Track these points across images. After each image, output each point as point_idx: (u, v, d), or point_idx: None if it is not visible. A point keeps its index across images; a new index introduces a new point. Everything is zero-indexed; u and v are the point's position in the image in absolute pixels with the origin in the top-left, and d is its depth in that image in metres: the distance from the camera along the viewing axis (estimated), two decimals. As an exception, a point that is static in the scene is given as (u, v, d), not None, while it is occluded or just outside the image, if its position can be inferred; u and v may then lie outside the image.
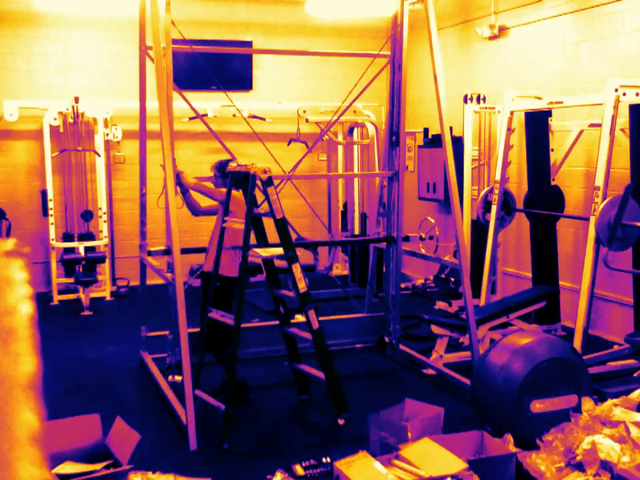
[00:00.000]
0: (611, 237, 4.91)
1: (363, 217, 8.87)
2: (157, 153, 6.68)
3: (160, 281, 5.09)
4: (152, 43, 4.52)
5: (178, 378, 4.42)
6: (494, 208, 6.41)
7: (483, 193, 6.76)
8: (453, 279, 7.43)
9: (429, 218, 6.15)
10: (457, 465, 3.15)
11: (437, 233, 5.93)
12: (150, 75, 4.90)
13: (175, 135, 4.83)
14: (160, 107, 4.35)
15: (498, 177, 6.40)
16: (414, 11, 5.52)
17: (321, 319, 6.18)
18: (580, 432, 3.53)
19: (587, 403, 3.77)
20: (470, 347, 4.88)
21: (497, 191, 6.38)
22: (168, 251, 4.94)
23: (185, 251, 4.86)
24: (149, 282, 5.88)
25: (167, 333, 5.32)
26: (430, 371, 5.32)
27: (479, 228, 6.94)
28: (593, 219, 5.01)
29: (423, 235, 5.81)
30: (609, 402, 3.80)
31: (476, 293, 6.81)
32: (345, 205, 9.03)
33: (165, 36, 4.65)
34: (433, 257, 5.73)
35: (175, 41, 4.79)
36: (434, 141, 7.78)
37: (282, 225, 4.18)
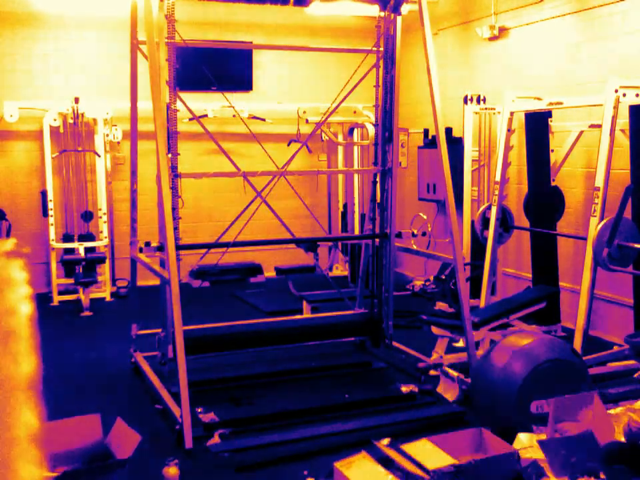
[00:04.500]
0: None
1: (363, 217, 8.87)
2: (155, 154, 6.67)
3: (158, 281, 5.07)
4: (145, 37, 4.29)
5: None
6: (494, 209, 6.41)
7: (480, 210, 6.73)
8: (453, 280, 7.42)
9: (421, 214, 6.13)
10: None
11: (430, 229, 5.91)
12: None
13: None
14: (154, 105, 4.22)
15: (498, 178, 6.40)
16: (413, 11, 5.52)
17: (310, 315, 6.21)
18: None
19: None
20: (466, 347, 4.83)
21: (497, 192, 6.38)
22: (161, 247, 4.71)
23: (181, 247, 4.62)
24: (148, 282, 5.88)
25: (159, 330, 5.21)
26: (432, 372, 5.31)
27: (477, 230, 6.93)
28: (593, 220, 5.01)
29: (415, 231, 5.80)
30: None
31: (476, 294, 6.81)
32: (345, 206, 9.03)
33: (158, 30, 4.42)
34: (425, 252, 5.72)
35: (169, 39, 4.58)
36: (434, 142, 7.75)
37: None
